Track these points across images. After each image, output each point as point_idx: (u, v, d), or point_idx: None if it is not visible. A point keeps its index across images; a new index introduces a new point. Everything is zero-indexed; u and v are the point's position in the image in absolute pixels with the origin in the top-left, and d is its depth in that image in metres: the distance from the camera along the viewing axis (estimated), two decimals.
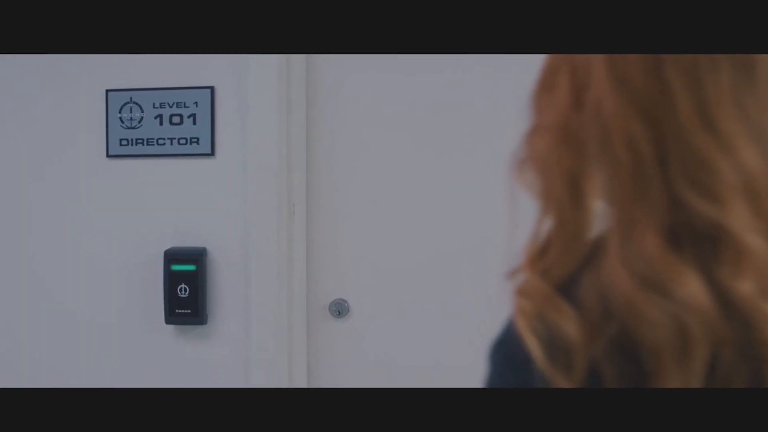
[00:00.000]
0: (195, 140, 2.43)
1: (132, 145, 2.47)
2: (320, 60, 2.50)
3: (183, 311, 2.41)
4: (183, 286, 2.40)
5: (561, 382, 0.63)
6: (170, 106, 2.44)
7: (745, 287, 0.58)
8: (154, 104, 2.45)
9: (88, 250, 2.51)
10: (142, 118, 2.45)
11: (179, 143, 2.44)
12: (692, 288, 0.58)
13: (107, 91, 2.48)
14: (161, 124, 2.45)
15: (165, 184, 2.46)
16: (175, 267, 2.40)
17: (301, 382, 2.49)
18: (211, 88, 2.42)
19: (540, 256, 0.68)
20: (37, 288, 2.55)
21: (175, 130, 2.44)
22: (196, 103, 2.42)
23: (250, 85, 2.38)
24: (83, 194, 2.51)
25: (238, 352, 2.43)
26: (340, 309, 2.50)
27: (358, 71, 2.48)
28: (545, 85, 0.69)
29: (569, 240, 0.66)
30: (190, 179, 2.45)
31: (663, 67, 0.61)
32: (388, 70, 2.46)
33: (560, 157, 0.66)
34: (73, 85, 2.51)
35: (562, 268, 0.66)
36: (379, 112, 2.47)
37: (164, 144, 2.45)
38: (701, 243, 0.60)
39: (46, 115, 2.53)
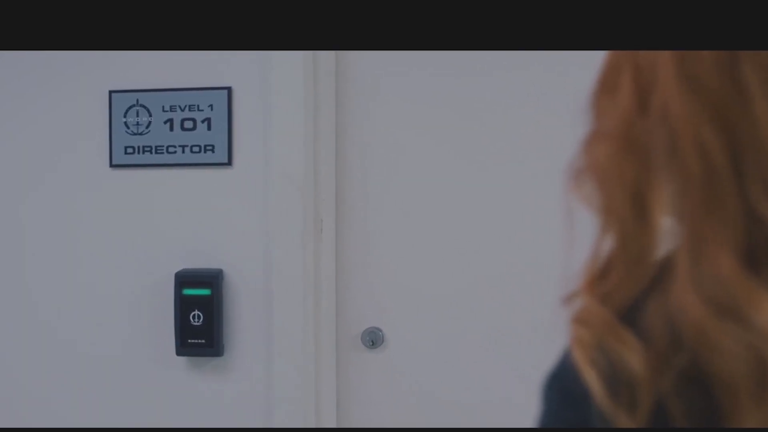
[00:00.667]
0: (210, 148, 2.45)
1: (138, 153, 2.49)
2: (351, 57, 2.51)
3: (196, 341, 2.42)
4: (196, 312, 2.41)
5: (623, 420, 0.63)
6: (182, 110, 2.46)
7: None
8: (163, 107, 2.47)
9: (89, 273, 2.53)
10: (149, 122, 2.48)
11: (192, 151, 2.46)
12: None
13: (111, 92, 2.50)
14: (171, 129, 2.47)
15: (176, 198, 2.48)
16: (188, 291, 2.42)
17: (329, 422, 2.50)
18: (228, 89, 2.44)
19: (600, 278, 0.68)
20: (31, 316, 2.57)
21: (187, 137, 2.46)
22: (211, 105, 2.44)
23: (272, 86, 2.40)
24: (83, 209, 2.53)
25: (259, 388, 2.45)
26: (373, 338, 2.51)
27: (393, 70, 2.49)
28: (606, 86, 0.70)
29: (633, 261, 0.66)
30: (205, 192, 2.46)
31: (738, 66, 0.61)
32: (427, 70, 2.46)
33: (623, 167, 0.67)
34: (72, 86, 2.53)
35: (625, 292, 0.66)
36: (417, 117, 2.48)
37: (175, 152, 2.47)
38: None
39: (41, 120, 2.55)
